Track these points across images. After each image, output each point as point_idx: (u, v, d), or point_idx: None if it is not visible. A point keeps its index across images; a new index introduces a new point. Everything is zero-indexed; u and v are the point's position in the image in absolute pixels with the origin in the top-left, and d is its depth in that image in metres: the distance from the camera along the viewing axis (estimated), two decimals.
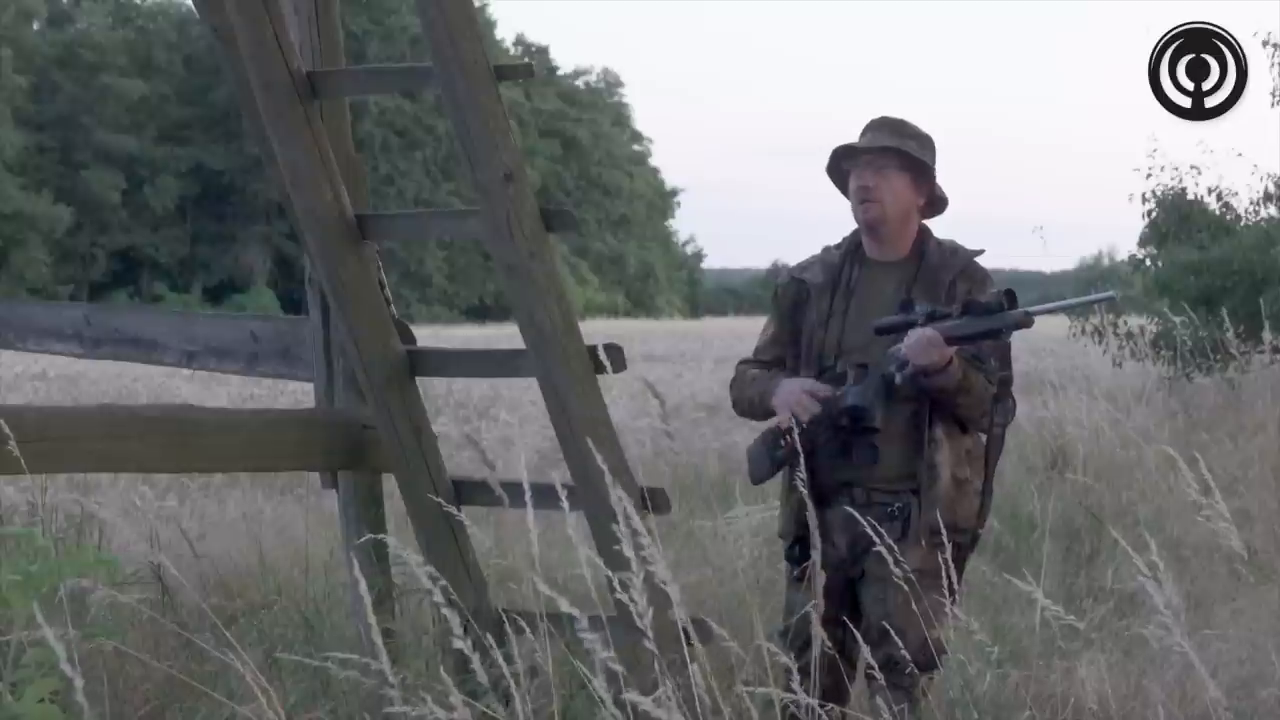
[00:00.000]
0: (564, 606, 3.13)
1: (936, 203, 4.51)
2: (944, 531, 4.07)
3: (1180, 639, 3.63)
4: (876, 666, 3.82)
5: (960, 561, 4.34)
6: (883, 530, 3.96)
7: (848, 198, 4.49)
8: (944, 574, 4.09)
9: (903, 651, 4.03)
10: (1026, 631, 5.32)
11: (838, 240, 4.59)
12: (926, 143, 4.46)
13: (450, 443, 10.20)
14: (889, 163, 4.40)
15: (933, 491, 4.29)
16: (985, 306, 4.25)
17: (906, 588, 3.95)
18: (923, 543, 4.21)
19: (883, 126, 4.44)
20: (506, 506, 4.51)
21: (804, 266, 4.55)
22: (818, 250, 4.60)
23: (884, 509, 4.30)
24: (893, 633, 4.03)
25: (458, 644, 3.00)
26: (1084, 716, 4.56)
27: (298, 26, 4.88)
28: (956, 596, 4.28)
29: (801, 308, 4.51)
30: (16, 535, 3.60)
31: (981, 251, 4.47)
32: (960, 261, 4.43)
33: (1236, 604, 6.03)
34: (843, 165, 4.50)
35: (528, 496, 3.54)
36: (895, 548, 3.93)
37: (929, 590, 4.11)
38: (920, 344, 4.23)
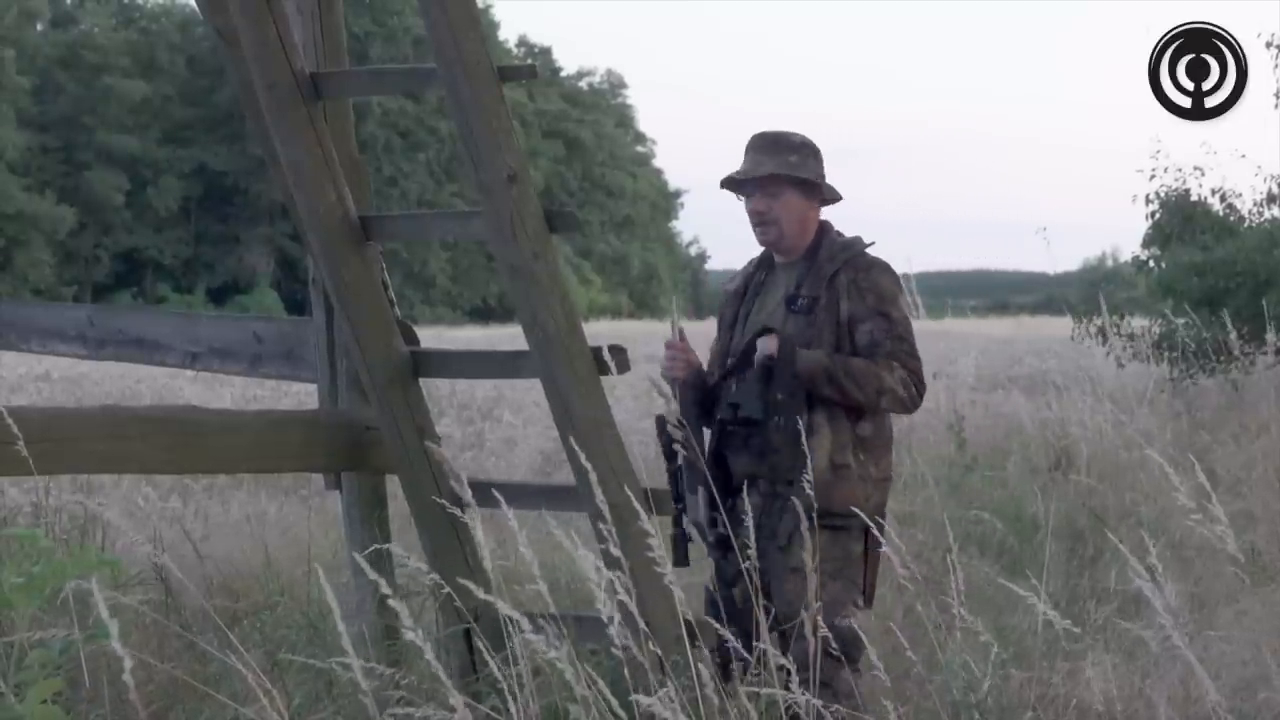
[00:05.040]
0: (504, 609, 3.15)
1: (829, 200, 4.62)
2: (828, 517, 4.20)
3: (1181, 641, 3.64)
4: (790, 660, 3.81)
5: (866, 552, 4.39)
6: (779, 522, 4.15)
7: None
8: (852, 562, 4.32)
9: (804, 643, 3.96)
10: (1029, 633, 5.31)
11: None
12: (807, 152, 4.56)
13: (454, 444, 10.20)
14: (778, 187, 4.52)
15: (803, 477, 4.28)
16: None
17: (809, 577, 3.97)
18: (802, 529, 4.06)
19: (762, 147, 4.56)
20: (476, 508, 4.55)
21: (731, 277, 4.75)
22: None
23: (785, 500, 4.31)
24: (797, 623, 4.05)
25: (408, 635, 3.01)
26: (1087, 718, 4.56)
27: (301, 27, 4.88)
28: (866, 588, 4.42)
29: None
30: (20, 536, 3.59)
31: (872, 243, 4.57)
32: (847, 254, 4.52)
33: (1240, 605, 6.01)
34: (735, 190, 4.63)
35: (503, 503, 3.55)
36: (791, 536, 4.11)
37: (830, 580, 4.16)
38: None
